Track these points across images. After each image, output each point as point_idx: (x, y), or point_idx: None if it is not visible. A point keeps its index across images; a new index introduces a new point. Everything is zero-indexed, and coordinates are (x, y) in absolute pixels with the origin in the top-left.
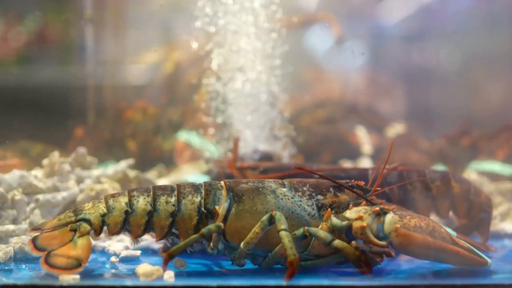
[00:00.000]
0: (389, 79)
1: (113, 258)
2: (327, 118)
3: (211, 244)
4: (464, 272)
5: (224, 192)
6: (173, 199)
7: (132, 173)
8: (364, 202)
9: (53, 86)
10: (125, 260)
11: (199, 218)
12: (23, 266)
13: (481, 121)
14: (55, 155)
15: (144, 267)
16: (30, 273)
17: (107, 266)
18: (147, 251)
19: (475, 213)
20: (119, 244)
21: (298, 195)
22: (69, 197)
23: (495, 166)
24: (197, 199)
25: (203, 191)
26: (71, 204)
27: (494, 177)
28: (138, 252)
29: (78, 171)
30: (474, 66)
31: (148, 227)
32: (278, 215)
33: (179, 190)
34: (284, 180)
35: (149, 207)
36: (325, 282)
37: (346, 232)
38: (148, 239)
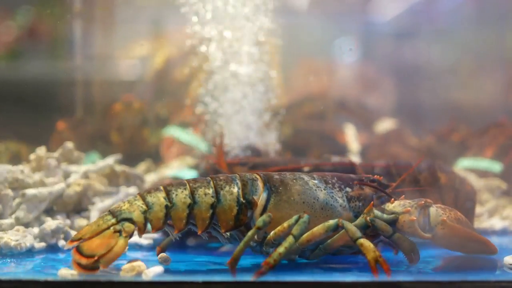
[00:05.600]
0: (379, 76)
1: None
2: (315, 113)
3: (256, 236)
4: (451, 268)
5: (260, 183)
6: (211, 191)
7: (119, 168)
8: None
9: (42, 81)
10: None
11: (238, 208)
12: (8, 261)
13: (470, 118)
14: (42, 150)
15: (135, 264)
16: (15, 268)
17: None
18: (135, 247)
19: (461, 203)
20: None
21: (329, 187)
22: (55, 192)
23: (484, 163)
24: (235, 189)
25: (239, 181)
26: (58, 199)
27: (482, 174)
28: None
29: (65, 166)
30: (464, 63)
31: (189, 220)
32: (305, 218)
33: (216, 181)
34: (312, 173)
35: (188, 200)
36: (311, 278)
37: (391, 225)
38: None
